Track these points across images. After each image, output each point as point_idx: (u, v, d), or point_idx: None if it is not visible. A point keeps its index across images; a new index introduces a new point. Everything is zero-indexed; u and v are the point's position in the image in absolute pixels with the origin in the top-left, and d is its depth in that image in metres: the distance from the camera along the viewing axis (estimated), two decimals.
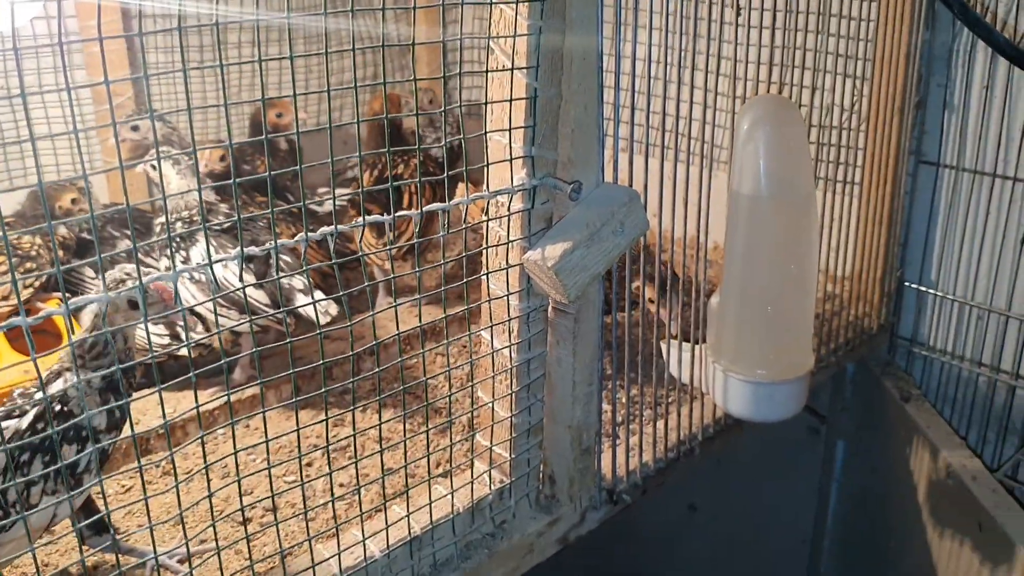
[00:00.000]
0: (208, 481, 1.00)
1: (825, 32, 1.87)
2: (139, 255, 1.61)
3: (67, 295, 0.82)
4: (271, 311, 1.67)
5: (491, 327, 1.23)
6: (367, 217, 0.97)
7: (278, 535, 1.08)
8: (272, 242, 0.90)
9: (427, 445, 1.19)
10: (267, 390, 1.69)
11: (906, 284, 2.21)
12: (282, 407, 1.65)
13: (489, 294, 1.22)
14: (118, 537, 1.27)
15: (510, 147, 1.13)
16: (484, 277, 1.22)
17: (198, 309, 1.67)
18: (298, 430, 1.02)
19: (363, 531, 1.15)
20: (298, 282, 1.69)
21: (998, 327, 2.07)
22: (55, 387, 1.18)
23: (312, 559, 1.09)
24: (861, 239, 2.04)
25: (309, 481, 1.46)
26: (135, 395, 1.25)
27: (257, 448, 1.54)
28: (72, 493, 1.13)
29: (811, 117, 1.97)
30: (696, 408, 1.63)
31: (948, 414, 2.15)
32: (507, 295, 1.19)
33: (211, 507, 1.02)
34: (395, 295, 1.11)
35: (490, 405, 1.27)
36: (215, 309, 1.62)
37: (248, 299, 1.66)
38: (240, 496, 1.02)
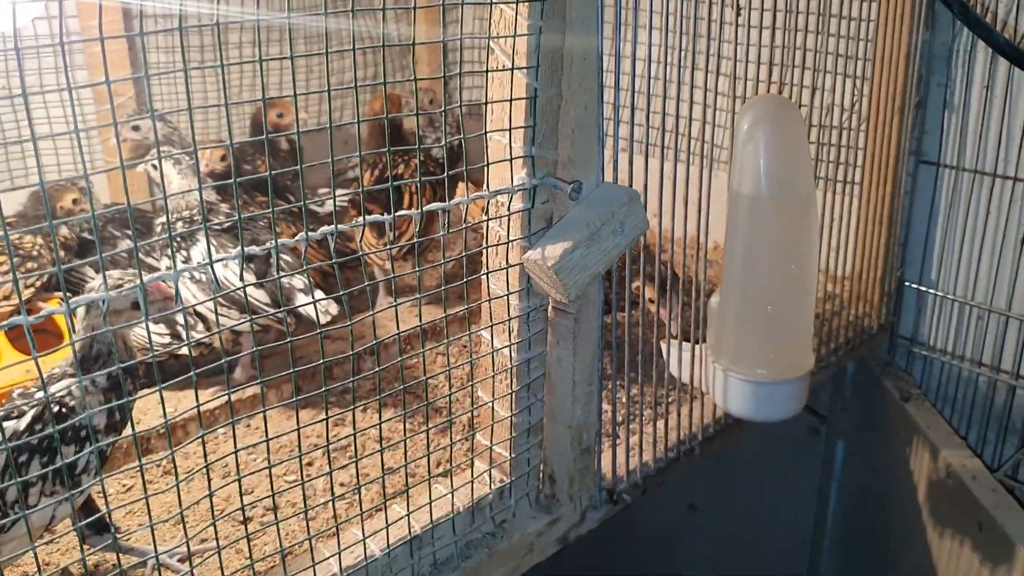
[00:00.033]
0: (209, 480, 1.00)
1: (825, 32, 1.87)
2: (140, 255, 1.61)
3: (68, 295, 0.82)
4: (272, 310, 1.67)
5: (491, 327, 1.23)
6: (367, 217, 0.97)
7: (278, 534, 1.08)
8: (272, 241, 0.91)
9: (427, 444, 1.19)
10: (268, 389, 1.69)
11: (906, 284, 2.21)
12: (283, 406, 1.65)
13: (489, 294, 1.22)
14: (119, 536, 1.27)
15: (510, 147, 1.13)
16: (484, 277, 1.22)
17: (199, 308, 1.67)
18: (299, 429, 1.03)
19: (363, 530, 1.16)
20: (298, 281, 1.69)
21: (998, 327, 2.07)
22: (58, 387, 1.18)
23: (312, 558, 1.09)
24: (861, 239, 2.04)
25: (309, 480, 1.47)
26: (136, 395, 1.25)
27: (258, 447, 1.54)
28: (71, 492, 1.13)
29: (811, 117, 1.97)
30: (696, 408, 1.63)
31: (948, 414, 2.15)
32: (507, 295, 1.19)
33: (212, 506, 1.02)
34: (395, 295, 1.12)
35: (490, 405, 1.27)
36: (216, 309, 1.62)
37: (248, 298, 1.66)
38: (241, 495, 1.02)
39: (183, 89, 0.84)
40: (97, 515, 1.19)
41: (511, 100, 1.11)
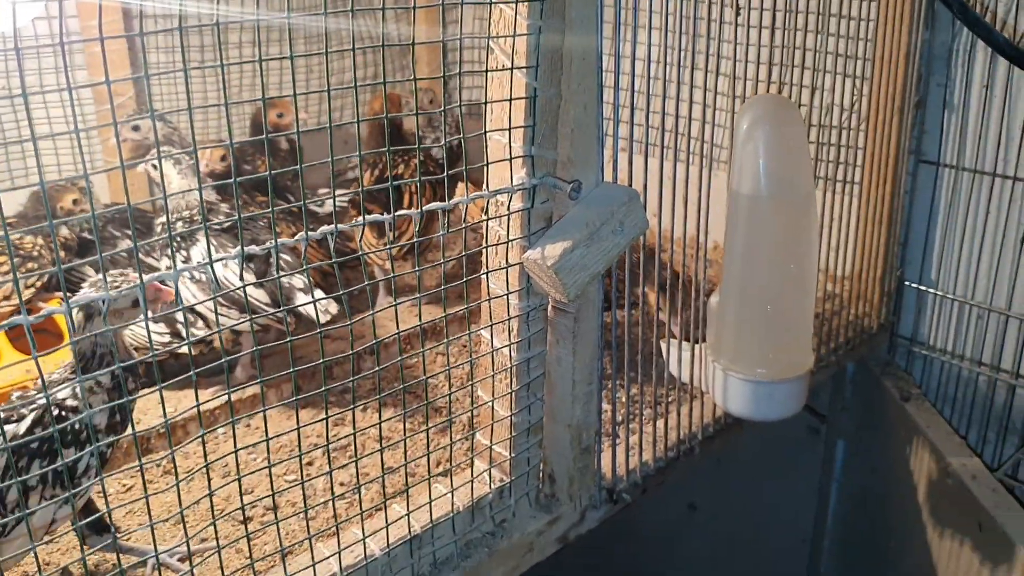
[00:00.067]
0: (209, 480, 1.00)
1: (825, 32, 1.88)
2: (140, 255, 1.61)
3: (68, 295, 0.82)
4: (271, 310, 1.67)
5: (491, 326, 1.23)
6: (367, 216, 0.97)
7: (278, 534, 1.08)
8: (272, 241, 0.91)
9: (427, 444, 1.19)
10: (268, 389, 1.69)
11: (906, 283, 2.21)
12: (282, 406, 1.65)
13: (489, 293, 1.22)
14: (119, 536, 1.27)
15: (510, 147, 1.13)
16: (484, 276, 1.22)
17: (199, 308, 1.67)
18: (298, 429, 1.03)
19: (363, 530, 1.16)
20: (298, 281, 1.69)
21: (998, 326, 2.07)
22: (60, 389, 1.18)
23: (312, 558, 1.09)
24: (861, 239, 2.05)
25: (309, 480, 1.47)
26: (136, 394, 1.25)
27: (258, 447, 1.54)
28: (70, 492, 1.13)
29: (811, 117, 1.98)
30: (696, 407, 1.63)
31: (948, 414, 2.15)
32: (507, 294, 1.19)
33: (212, 506, 1.02)
34: (395, 294, 1.12)
35: (490, 404, 1.28)
36: (216, 308, 1.62)
37: (248, 298, 1.66)
38: (241, 495, 1.02)
39: (183, 89, 0.84)
40: (97, 515, 1.19)
41: (511, 100, 1.11)
